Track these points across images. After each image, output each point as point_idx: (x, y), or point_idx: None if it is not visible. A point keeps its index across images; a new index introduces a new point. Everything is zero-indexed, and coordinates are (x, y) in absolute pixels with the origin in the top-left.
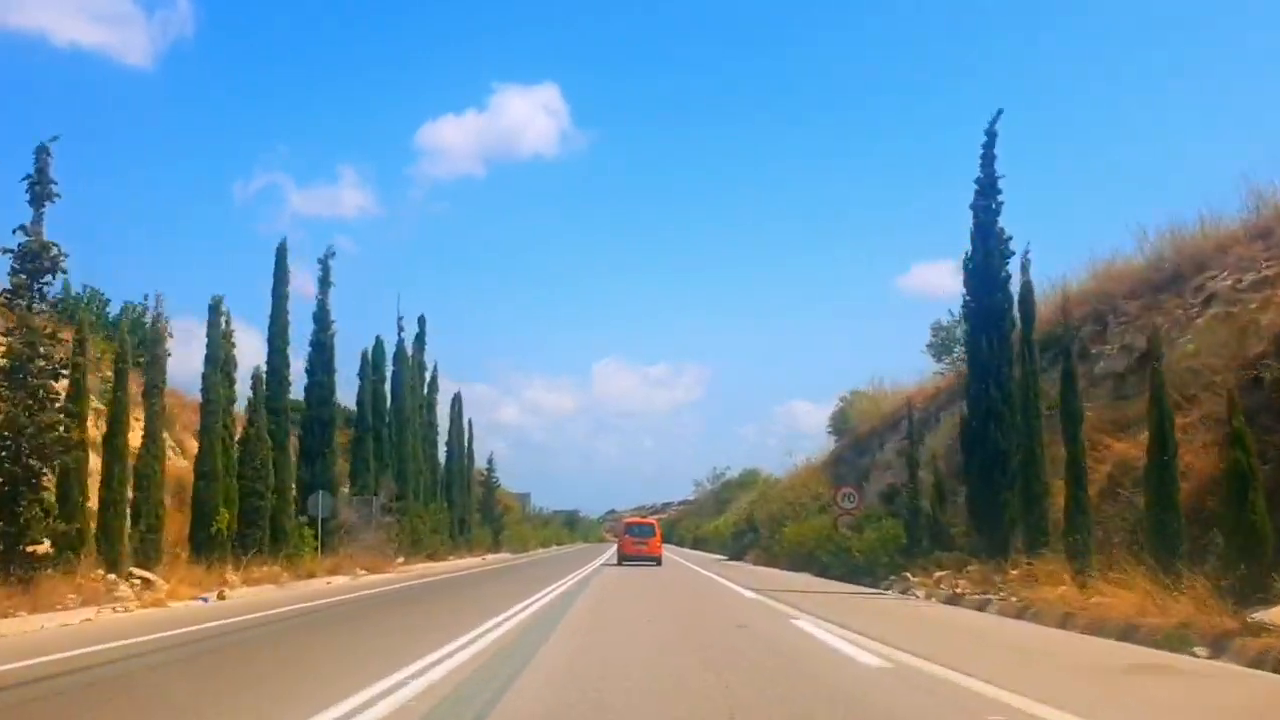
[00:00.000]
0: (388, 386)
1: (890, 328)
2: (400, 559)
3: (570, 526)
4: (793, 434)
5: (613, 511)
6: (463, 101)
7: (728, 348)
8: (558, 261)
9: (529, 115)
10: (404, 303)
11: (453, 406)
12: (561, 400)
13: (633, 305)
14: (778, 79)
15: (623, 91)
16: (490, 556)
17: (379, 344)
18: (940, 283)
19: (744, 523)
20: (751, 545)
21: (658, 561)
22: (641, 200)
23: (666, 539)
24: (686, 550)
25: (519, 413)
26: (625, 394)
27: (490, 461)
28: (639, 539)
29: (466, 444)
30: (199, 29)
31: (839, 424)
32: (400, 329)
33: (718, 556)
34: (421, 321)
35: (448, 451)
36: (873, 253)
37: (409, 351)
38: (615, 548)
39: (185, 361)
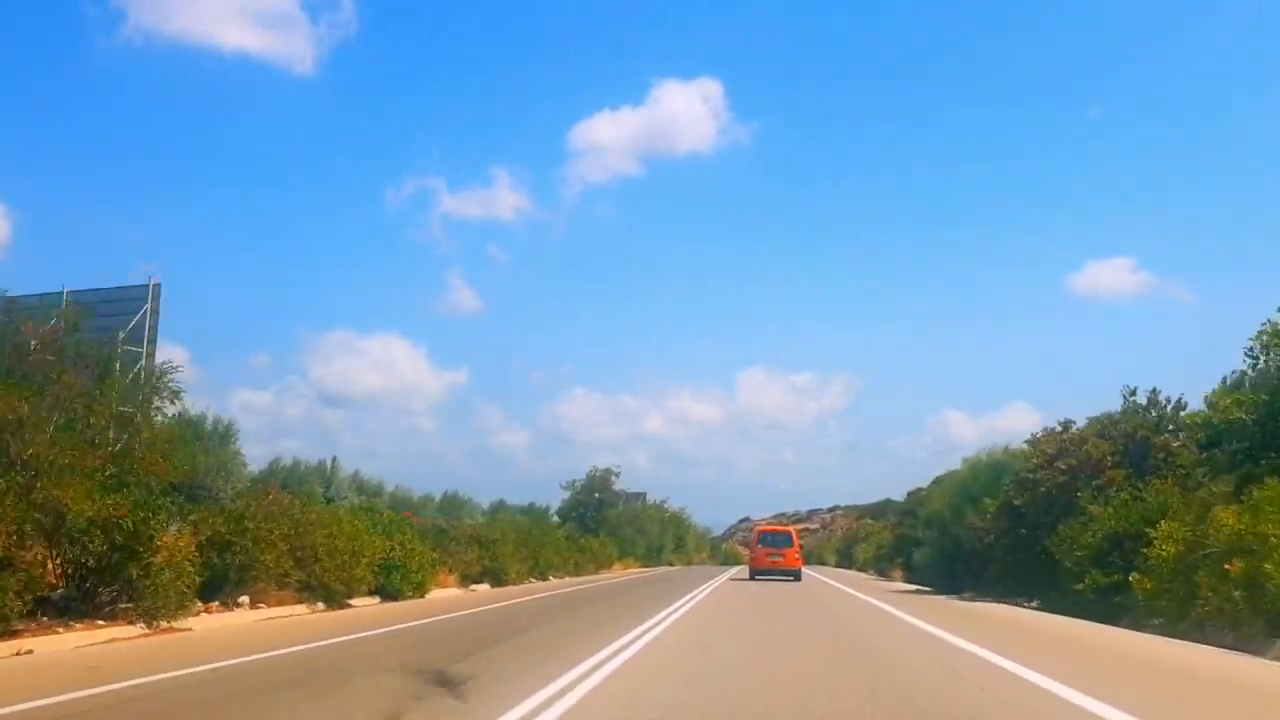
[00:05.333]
0: None
1: (1061, 331)
2: None
3: (624, 536)
4: (945, 447)
5: (746, 519)
6: (619, 98)
7: (879, 356)
8: (707, 264)
9: (689, 111)
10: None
11: None
12: (707, 411)
13: (781, 310)
14: (935, 79)
15: (782, 90)
16: None
17: None
18: (1118, 281)
19: None
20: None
21: (796, 576)
22: (794, 202)
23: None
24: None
25: (663, 423)
26: (770, 404)
27: None
28: (774, 549)
29: None
30: (363, 30)
31: None
32: None
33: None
34: None
35: None
36: (1041, 251)
37: None
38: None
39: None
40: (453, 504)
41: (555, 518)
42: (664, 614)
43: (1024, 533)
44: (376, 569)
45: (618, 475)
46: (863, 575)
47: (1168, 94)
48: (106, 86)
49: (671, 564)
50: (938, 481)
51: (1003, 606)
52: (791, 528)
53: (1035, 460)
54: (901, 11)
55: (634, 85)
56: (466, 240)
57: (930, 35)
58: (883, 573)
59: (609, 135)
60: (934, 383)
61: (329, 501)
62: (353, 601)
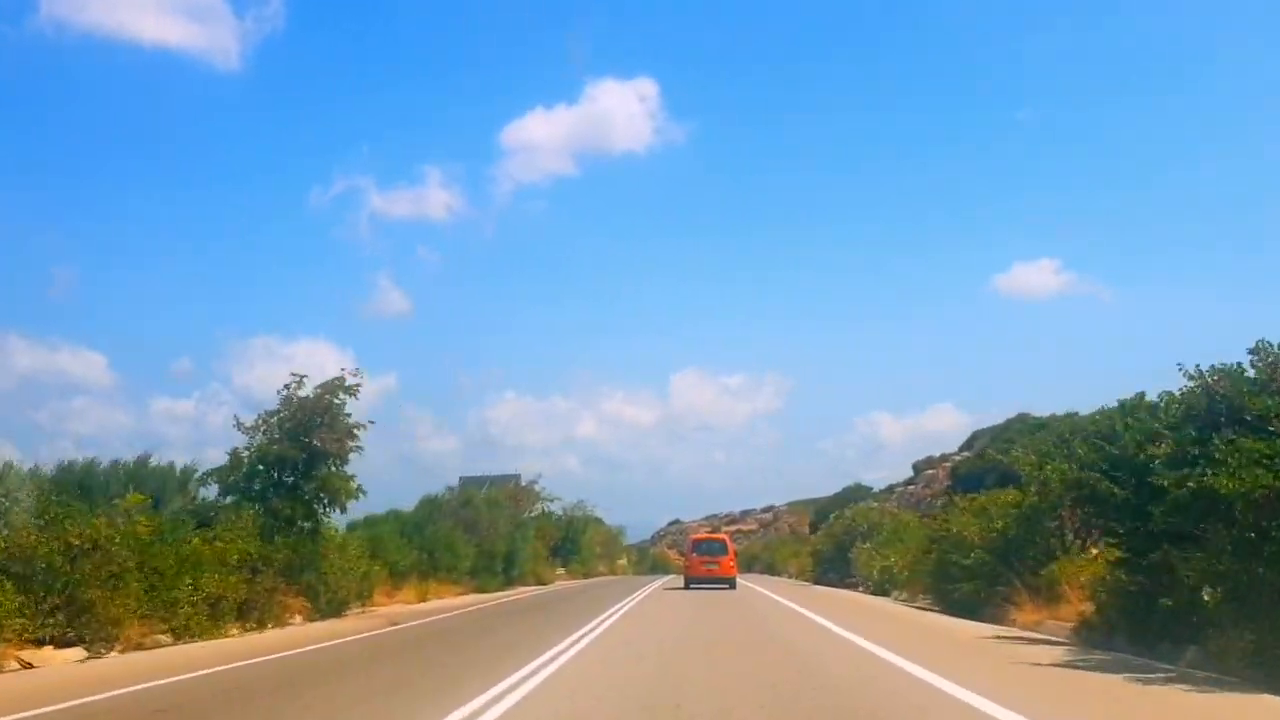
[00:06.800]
0: None
1: (987, 333)
2: None
3: (434, 535)
4: (872, 446)
5: (676, 522)
6: (554, 97)
7: (810, 357)
8: (641, 264)
9: (624, 110)
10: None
11: None
12: (639, 413)
13: (714, 311)
14: (866, 82)
15: (717, 90)
16: None
17: None
18: (1044, 282)
19: None
20: None
21: (731, 584)
22: (728, 202)
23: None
24: None
25: (595, 426)
26: (702, 406)
27: None
28: (709, 557)
29: None
30: (290, 24)
31: None
32: None
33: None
34: None
35: None
36: (969, 253)
37: None
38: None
39: (269, 379)
40: None
41: (209, 493)
42: None
43: None
44: None
45: (349, 394)
46: (978, 630)
47: (1095, 96)
48: (15, 79)
49: (545, 582)
50: None
51: None
52: (725, 535)
53: None
54: (835, 13)
55: (569, 84)
56: (395, 240)
57: (863, 38)
58: (979, 609)
59: (543, 134)
60: (862, 383)
61: None
62: None
